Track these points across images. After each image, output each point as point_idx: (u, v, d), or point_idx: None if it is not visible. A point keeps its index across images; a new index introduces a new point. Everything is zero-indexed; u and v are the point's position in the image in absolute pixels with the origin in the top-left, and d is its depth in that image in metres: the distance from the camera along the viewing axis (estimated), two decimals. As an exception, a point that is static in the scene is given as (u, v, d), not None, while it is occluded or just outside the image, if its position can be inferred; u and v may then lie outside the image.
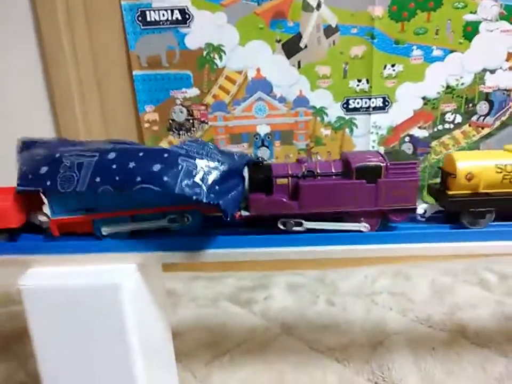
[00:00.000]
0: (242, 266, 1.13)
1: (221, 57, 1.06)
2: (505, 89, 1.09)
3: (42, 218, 0.59)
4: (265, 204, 0.55)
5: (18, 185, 0.54)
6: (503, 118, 1.11)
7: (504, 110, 1.11)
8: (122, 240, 0.55)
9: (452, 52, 1.06)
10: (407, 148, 1.13)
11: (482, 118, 1.11)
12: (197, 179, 0.50)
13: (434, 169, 1.12)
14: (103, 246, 0.55)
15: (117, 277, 0.52)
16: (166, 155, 0.51)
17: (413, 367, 0.78)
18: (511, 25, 1.05)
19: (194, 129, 1.12)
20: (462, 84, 1.09)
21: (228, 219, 0.51)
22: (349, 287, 1.06)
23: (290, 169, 0.56)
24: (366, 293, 1.02)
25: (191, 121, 1.11)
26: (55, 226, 0.55)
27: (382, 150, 0.59)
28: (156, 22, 1.03)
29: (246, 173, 0.56)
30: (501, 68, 1.08)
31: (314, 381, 0.77)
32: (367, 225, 0.57)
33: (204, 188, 0.50)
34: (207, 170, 0.51)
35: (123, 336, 0.53)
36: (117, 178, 0.50)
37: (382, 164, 0.55)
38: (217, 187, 0.51)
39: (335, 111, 1.11)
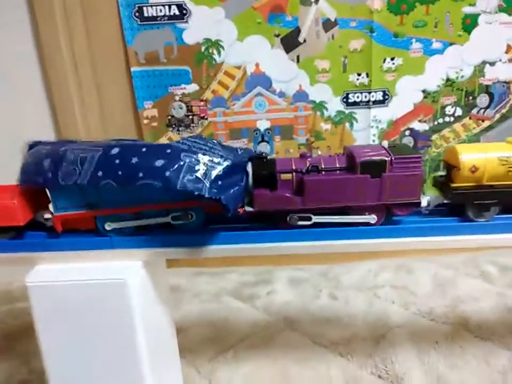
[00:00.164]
0: (244, 262, 1.13)
1: (219, 53, 1.06)
2: (505, 82, 1.09)
3: (47, 215, 0.58)
4: (269, 199, 0.55)
5: (21, 179, 0.55)
6: (503, 111, 1.11)
7: (504, 103, 1.11)
8: (129, 237, 0.55)
9: (451, 44, 1.06)
10: (408, 142, 1.13)
11: (482, 110, 1.11)
12: (199, 174, 0.50)
13: (435, 162, 1.12)
14: (109, 243, 0.55)
15: (124, 274, 0.52)
16: (168, 151, 0.51)
17: (416, 361, 0.78)
18: (510, 17, 1.04)
19: (194, 125, 1.11)
20: (462, 76, 1.08)
21: (230, 215, 0.51)
22: (351, 281, 1.06)
23: (295, 165, 0.56)
24: (369, 286, 1.02)
25: (190, 117, 1.10)
26: (58, 222, 0.55)
27: (385, 143, 0.58)
28: (153, 18, 1.03)
29: (249, 168, 0.56)
30: (500, 60, 1.07)
31: (318, 375, 0.77)
32: (375, 217, 0.56)
33: (206, 183, 0.50)
34: (209, 165, 0.51)
35: (130, 332, 0.53)
36: (120, 173, 0.50)
37: (386, 158, 0.54)
38: (219, 182, 0.51)
39: (335, 105, 1.10)
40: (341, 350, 0.81)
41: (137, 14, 1.02)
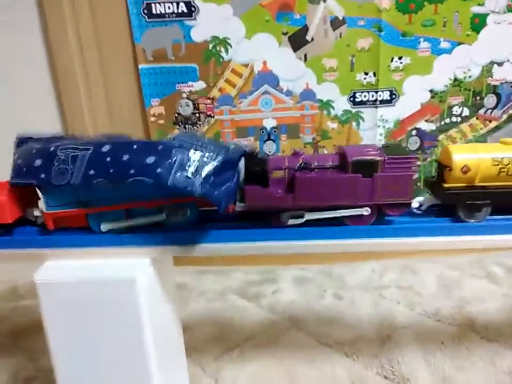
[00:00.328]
0: (249, 261, 1.13)
1: (227, 50, 1.05)
2: (513, 82, 1.09)
3: (37, 213, 0.58)
4: (260, 196, 0.55)
5: (12, 178, 0.55)
6: (511, 111, 1.11)
7: (511, 103, 1.10)
8: (137, 234, 0.55)
9: (459, 44, 1.05)
10: (414, 141, 1.13)
11: (489, 111, 1.11)
12: (190, 171, 0.50)
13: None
14: (117, 240, 0.55)
15: (132, 271, 0.52)
16: (160, 147, 0.51)
17: (422, 362, 0.78)
18: (519, 17, 1.04)
19: (200, 122, 1.11)
20: (470, 76, 1.08)
21: (221, 212, 0.51)
22: (356, 281, 1.06)
23: (287, 162, 0.56)
24: (374, 286, 1.02)
25: (197, 114, 1.10)
26: (49, 219, 0.55)
27: (379, 143, 0.59)
28: (162, 15, 1.02)
29: (242, 164, 0.56)
30: (508, 60, 1.07)
31: (323, 375, 0.77)
32: (368, 209, 0.56)
33: (197, 180, 0.50)
34: (201, 162, 0.51)
35: (137, 330, 0.53)
36: (111, 171, 0.50)
37: (378, 158, 0.54)
38: (211, 179, 0.51)
39: (341, 104, 1.10)
40: (347, 350, 0.81)
41: (145, 11, 1.01)
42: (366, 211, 0.56)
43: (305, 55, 1.06)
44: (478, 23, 1.04)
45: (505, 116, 1.11)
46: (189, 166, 0.50)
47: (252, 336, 0.86)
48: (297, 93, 1.09)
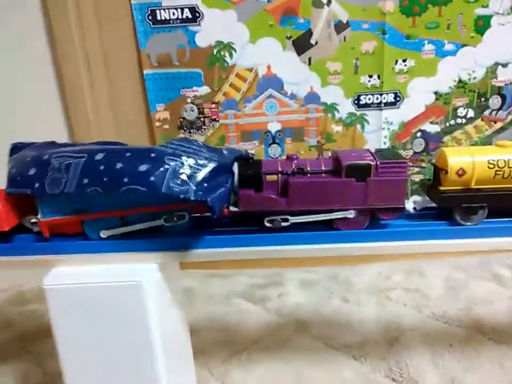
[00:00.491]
0: (255, 264, 1.13)
1: (231, 55, 1.06)
2: (518, 83, 1.09)
3: (33, 220, 0.58)
4: (254, 200, 0.55)
5: (7, 187, 0.55)
6: (516, 112, 1.11)
7: (516, 104, 1.10)
8: (145, 240, 0.56)
9: (463, 46, 1.05)
10: (419, 143, 1.13)
11: (494, 112, 1.10)
12: (184, 177, 0.50)
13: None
14: (125, 245, 0.55)
15: (140, 276, 0.52)
16: (153, 155, 0.51)
17: (430, 364, 0.78)
18: (523, 19, 1.04)
19: (205, 127, 1.11)
20: (474, 78, 1.08)
21: (215, 217, 0.52)
22: (362, 284, 1.05)
23: (280, 166, 0.56)
24: (380, 289, 1.02)
25: (202, 119, 1.11)
26: (45, 227, 0.56)
27: (372, 148, 0.59)
28: (166, 21, 1.03)
29: (235, 169, 0.56)
30: (513, 61, 1.07)
31: (331, 378, 0.77)
32: (353, 212, 0.56)
33: (191, 186, 0.50)
34: (194, 168, 0.51)
35: (146, 334, 0.53)
36: (105, 179, 0.50)
37: (371, 163, 0.55)
38: (205, 185, 0.51)
39: (346, 107, 1.10)
40: (354, 353, 0.81)
41: (150, 17, 1.02)
42: (350, 214, 0.56)
43: (310, 59, 1.07)
44: (482, 24, 1.04)
45: (510, 117, 1.11)
46: (182, 172, 0.50)
47: (259, 339, 0.86)
48: (302, 97, 1.09)
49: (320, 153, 1.13)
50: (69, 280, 0.53)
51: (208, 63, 1.06)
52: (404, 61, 1.06)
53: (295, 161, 0.56)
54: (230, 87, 1.08)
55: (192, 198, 0.49)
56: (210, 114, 1.10)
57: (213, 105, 1.10)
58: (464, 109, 1.10)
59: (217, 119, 1.11)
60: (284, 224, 0.56)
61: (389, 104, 1.10)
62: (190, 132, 1.12)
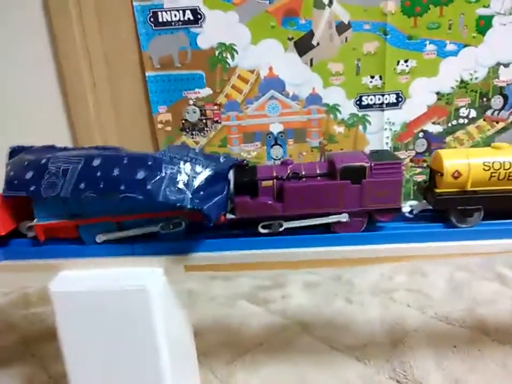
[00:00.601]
0: (258, 266, 1.13)
1: (233, 57, 1.06)
2: (520, 83, 1.08)
3: (30, 224, 0.59)
4: (250, 206, 0.56)
5: (4, 191, 0.55)
6: (518, 112, 1.10)
7: (518, 104, 1.10)
8: (150, 244, 0.56)
9: (465, 46, 1.05)
10: (421, 144, 1.13)
11: (496, 112, 1.10)
12: (181, 185, 0.50)
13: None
14: (130, 249, 0.55)
15: (146, 281, 0.52)
16: (150, 162, 0.51)
17: (434, 365, 0.78)
18: (524, 19, 1.04)
19: (207, 129, 1.12)
20: (476, 78, 1.08)
21: (212, 225, 0.52)
22: (365, 285, 1.05)
23: (275, 172, 0.56)
24: (383, 290, 1.02)
25: (204, 121, 1.11)
26: (40, 231, 0.56)
27: (367, 150, 0.59)
28: (168, 23, 1.03)
29: (231, 176, 0.56)
30: (514, 61, 1.07)
31: (335, 380, 0.77)
32: (346, 215, 0.56)
33: (188, 194, 0.50)
34: (191, 176, 0.51)
35: (151, 338, 0.53)
36: (101, 185, 0.51)
37: (366, 165, 0.55)
38: (201, 192, 0.51)
39: (348, 108, 1.10)
40: (358, 355, 0.81)
41: (152, 19, 1.02)
42: (344, 217, 0.56)
43: (311, 60, 1.07)
44: (484, 25, 1.04)
45: (512, 117, 1.11)
46: (179, 180, 0.50)
47: (263, 341, 0.86)
48: (304, 98, 1.09)
49: (322, 154, 1.13)
50: (75, 284, 0.53)
51: (210, 65, 1.06)
52: (406, 61, 1.06)
53: (290, 166, 0.57)
54: (232, 89, 1.08)
55: (188, 207, 0.49)
56: (212, 116, 1.11)
57: (215, 107, 1.10)
58: (466, 109, 1.10)
59: (219, 120, 1.11)
60: (279, 229, 0.56)
61: (391, 105, 1.10)
62: (192, 134, 1.12)
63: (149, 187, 0.49)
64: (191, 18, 1.03)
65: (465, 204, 0.57)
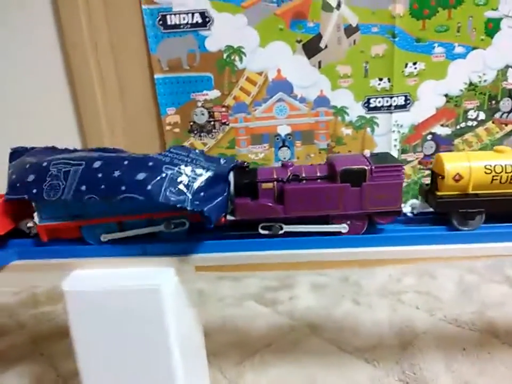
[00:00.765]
0: (266, 266, 1.13)
1: (241, 59, 1.06)
2: (529, 86, 1.08)
3: (30, 224, 0.59)
4: (250, 208, 0.56)
5: (6, 194, 0.56)
6: (527, 114, 1.10)
7: (527, 106, 1.10)
8: (162, 244, 0.56)
9: (474, 48, 1.05)
10: (430, 146, 1.13)
11: (505, 114, 1.10)
12: (181, 187, 0.51)
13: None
14: (142, 249, 0.56)
15: (158, 280, 0.53)
16: (150, 163, 0.52)
17: (443, 367, 0.77)
18: (532, 21, 1.04)
19: (216, 131, 1.12)
20: (485, 80, 1.08)
21: (212, 226, 0.52)
22: (373, 287, 1.05)
23: (276, 174, 0.57)
24: (392, 292, 1.02)
25: (212, 123, 1.11)
26: (43, 232, 0.57)
27: (367, 152, 0.59)
28: (177, 26, 1.04)
29: (231, 177, 0.57)
30: (523, 64, 1.07)
31: (344, 381, 0.76)
32: (346, 226, 0.57)
33: (188, 195, 0.50)
34: (191, 177, 0.52)
35: (163, 337, 0.53)
36: (102, 187, 0.51)
37: (366, 167, 0.55)
38: (201, 194, 0.52)
39: (356, 110, 1.10)
40: (367, 356, 0.81)
41: (160, 22, 1.03)
42: (343, 228, 0.57)
43: (319, 62, 1.07)
44: (492, 27, 1.04)
45: (521, 120, 1.11)
46: (180, 182, 0.51)
47: (272, 342, 0.86)
48: (312, 100, 1.10)
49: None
50: (88, 284, 0.53)
51: (218, 67, 1.07)
52: (414, 63, 1.06)
53: (290, 168, 0.57)
54: (240, 91, 1.09)
55: (188, 208, 0.50)
56: (220, 118, 1.11)
57: (223, 109, 1.10)
58: (475, 111, 1.10)
59: (227, 122, 1.11)
60: (280, 231, 0.57)
61: (399, 107, 1.10)
62: (200, 136, 1.12)
63: (149, 188, 0.49)
64: (200, 21, 1.03)
65: (466, 207, 0.57)
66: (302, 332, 0.89)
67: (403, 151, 1.13)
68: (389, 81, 1.07)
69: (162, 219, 0.56)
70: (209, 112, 1.10)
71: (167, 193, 0.49)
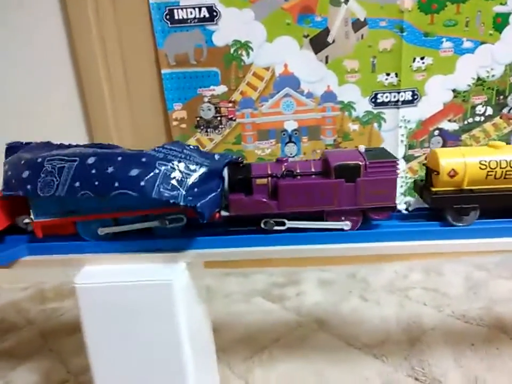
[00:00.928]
0: (273, 262, 1.13)
1: (248, 54, 1.06)
2: (537, 81, 1.08)
3: (26, 220, 0.59)
4: (245, 204, 0.56)
5: (2, 190, 0.56)
6: (535, 110, 1.10)
7: (536, 102, 1.09)
8: (174, 239, 0.56)
9: (482, 43, 1.05)
10: (437, 142, 1.12)
11: (513, 110, 1.10)
12: (174, 182, 0.51)
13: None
14: (154, 245, 0.56)
15: (170, 275, 0.53)
16: (143, 159, 0.51)
17: (452, 363, 0.77)
18: (541, 16, 1.03)
19: (222, 126, 1.12)
20: (493, 75, 1.07)
21: (205, 221, 0.52)
22: (380, 283, 1.05)
23: (270, 169, 0.56)
24: (399, 288, 1.02)
25: (218, 118, 1.11)
26: (38, 228, 0.57)
27: (362, 148, 0.59)
28: (184, 20, 1.03)
29: (225, 173, 0.57)
30: (532, 59, 1.06)
31: (353, 377, 0.77)
32: (349, 223, 0.57)
33: (181, 191, 0.50)
34: (185, 173, 0.52)
35: (175, 332, 0.53)
36: (96, 183, 0.51)
37: (360, 163, 0.55)
38: (195, 190, 0.52)
39: (363, 105, 1.10)
40: (375, 352, 0.81)
41: (168, 16, 1.02)
42: (346, 225, 0.57)
43: (327, 57, 1.06)
44: (501, 22, 1.04)
45: (529, 115, 1.10)
46: (173, 177, 0.51)
47: (280, 338, 0.86)
48: (319, 95, 1.09)
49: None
50: (100, 279, 0.53)
51: (225, 62, 1.06)
52: (422, 58, 1.06)
53: (285, 164, 0.57)
54: (247, 86, 1.08)
55: (181, 204, 0.50)
56: (227, 113, 1.11)
57: (230, 104, 1.10)
58: (483, 106, 1.09)
59: (234, 118, 1.11)
60: (280, 227, 0.57)
61: (406, 102, 1.09)
62: (207, 131, 1.12)
63: (142, 184, 0.49)
64: (207, 15, 1.03)
65: (461, 203, 0.57)
66: (309, 327, 0.89)
67: (410, 146, 1.13)
68: (397, 76, 1.07)
69: (157, 215, 0.56)
70: (216, 108, 1.10)
71: (160, 189, 0.49)
